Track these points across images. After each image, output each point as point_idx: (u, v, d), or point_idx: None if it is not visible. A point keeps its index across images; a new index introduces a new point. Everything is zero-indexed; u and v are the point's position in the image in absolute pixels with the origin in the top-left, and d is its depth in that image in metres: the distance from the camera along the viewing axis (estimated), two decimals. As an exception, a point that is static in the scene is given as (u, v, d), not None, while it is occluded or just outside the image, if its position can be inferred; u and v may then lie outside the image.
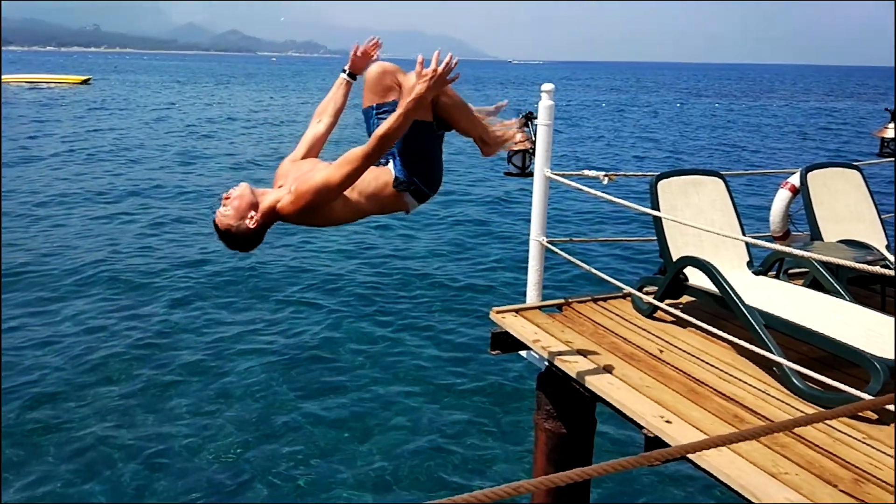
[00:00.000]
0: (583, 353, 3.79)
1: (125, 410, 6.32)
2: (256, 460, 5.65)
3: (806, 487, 2.60)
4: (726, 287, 3.79)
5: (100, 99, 43.48)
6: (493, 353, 4.25)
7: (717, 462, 2.72)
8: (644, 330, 4.16)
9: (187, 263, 10.54)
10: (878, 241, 4.74)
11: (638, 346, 3.91)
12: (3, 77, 55.98)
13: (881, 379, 3.05)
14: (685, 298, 4.44)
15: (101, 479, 5.35)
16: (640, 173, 6.03)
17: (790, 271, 4.85)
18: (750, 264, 4.43)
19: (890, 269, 4.19)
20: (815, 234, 4.79)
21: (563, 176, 4.43)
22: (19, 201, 14.36)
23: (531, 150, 4.40)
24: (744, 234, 4.46)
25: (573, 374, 3.59)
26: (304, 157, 2.71)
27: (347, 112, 2.97)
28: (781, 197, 5.35)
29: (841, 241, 4.67)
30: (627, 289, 4.45)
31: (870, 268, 2.79)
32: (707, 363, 3.71)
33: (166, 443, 5.83)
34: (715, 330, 3.71)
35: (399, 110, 2.34)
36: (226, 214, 2.43)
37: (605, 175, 4.20)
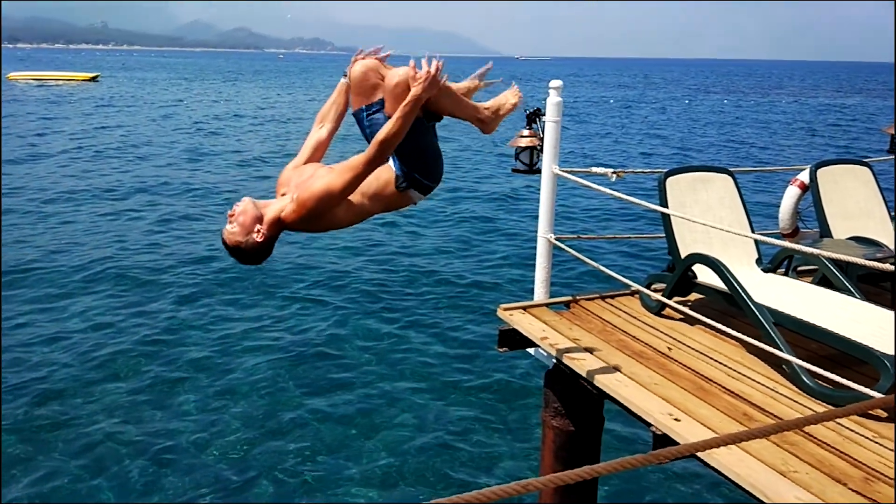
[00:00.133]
0: (591, 350, 3.78)
1: (133, 406, 6.34)
2: (263, 456, 5.66)
3: (816, 486, 2.58)
4: (735, 284, 3.76)
5: (107, 96, 43.63)
6: (500, 350, 4.24)
7: (727, 460, 2.71)
8: (652, 327, 4.14)
9: (194, 260, 10.57)
10: (888, 237, 4.71)
11: (646, 344, 3.89)
12: (11, 75, 56.37)
13: (891, 377, 3.03)
14: (694, 296, 4.42)
15: (108, 474, 5.38)
16: (649, 170, 6.00)
17: (799, 268, 4.82)
18: (759, 261, 4.41)
19: (900, 266, 4.16)
20: (825, 231, 4.76)
21: (570, 173, 4.41)
22: (28, 198, 14.43)
23: (539, 147, 4.38)
24: (753, 231, 4.44)
25: (581, 372, 3.58)
26: (305, 163, 2.69)
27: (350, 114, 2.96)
28: (790, 194, 5.33)
29: (850, 238, 4.64)
30: (636, 286, 4.43)
31: (879, 265, 2.77)
32: (716, 361, 3.69)
33: (174, 439, 5.85)
34: (724, 327, 3.69)
35: (397, 114, 2.33)
36: (233, 231, 2.44)
37: (614, 172, 4.18)
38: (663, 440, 3.01)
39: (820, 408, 3.20)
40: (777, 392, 3.36)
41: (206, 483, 5.32)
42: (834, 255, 3.13)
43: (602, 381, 3.44)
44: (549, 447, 4.04)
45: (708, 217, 4.28)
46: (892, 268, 2.77)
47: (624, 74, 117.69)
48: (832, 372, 3.09)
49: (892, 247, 4.56)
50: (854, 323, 3.44)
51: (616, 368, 3.55)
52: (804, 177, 5.20)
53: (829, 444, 2.87)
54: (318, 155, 2.71)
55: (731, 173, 4.60)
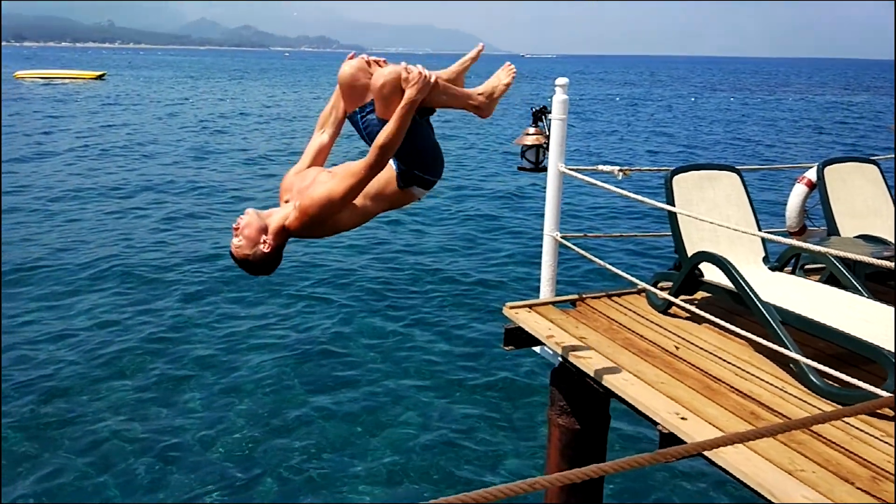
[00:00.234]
0: (597, 349, 3.77)
1: (138, 404, 6.36)
2: (269, 453, 5.67)
3: (823, 485, 2.57)
4: (742, 283, 3.75)
5: (114, 94, 43.75)
6: (506, 348, 4.24)
7: (734, 459, 2.70)
8: (659, 326, 4.13)
9: (200, 258, 10.59)
10: (896, 236, 4.68)
11: (653, 343, 3.88)
12: (18, 73, 56.64)
13: (900, 376, 3.01)
14: (700, 294, 4.40)
15: (114, 471, 5.39)
16: (655, 168, 5.98)
17: (806, 267, 4.80)
18: (766, 260, 4.39)
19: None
20: (832, 230, 4.74)
21: (577, 171, 4.40)
22: (34, 196, 14.48)
23: (545, 145, 4.37)
24: (759, 230, 4.42)
25: (587, 370, 3.57)
26: (308, 168, 2.67)
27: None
28: (797, 192, 5.30)
29: (858, 237, 4.62)
30: (642, 284, 4.41)
31: (887, 263, 2.75)
32: (723, 360, 3.68)
33: (179, 436, 5.87)
34: (731, 326, 3.67)
35: (393, 119, 2.31)
36: (239, 245, 2.44)
37: (620, 170, 4.17)
38: (670, 439, 3.00)
39: (827, 407, 3.18)
40: (784, 391, 3.34)
41: (211, 480, 5.33)
42: (842, 254, 3.11)
43: (608, 379, 3.43)
44: (555, 445, 4.04)
45: (715, 215, 4.27)
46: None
47: (630, 72, 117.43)
48: (840, 371, 3.07)
49: (900, 245, 4.54)
50: (862, 322, 3.42)
51: (622, 367, 3.54)
52: (811, 175, 5.17)
53: (836, 443, 2.85)
54: (320, 159, 2.69)
55: (737, 171, 4.58)
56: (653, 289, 4.32)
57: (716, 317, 3.81)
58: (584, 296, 4.56)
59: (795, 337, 3.47)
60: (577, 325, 4.09)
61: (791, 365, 3.47)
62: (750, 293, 3.69)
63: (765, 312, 3.58)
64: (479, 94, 2.65)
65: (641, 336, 3.97)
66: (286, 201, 2.54)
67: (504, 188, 16.17)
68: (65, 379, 6.74)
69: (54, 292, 9.05)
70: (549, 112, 4.28)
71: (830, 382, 3.24)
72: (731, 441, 1.61)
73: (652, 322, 4.19)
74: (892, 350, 3.10)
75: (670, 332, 4.04)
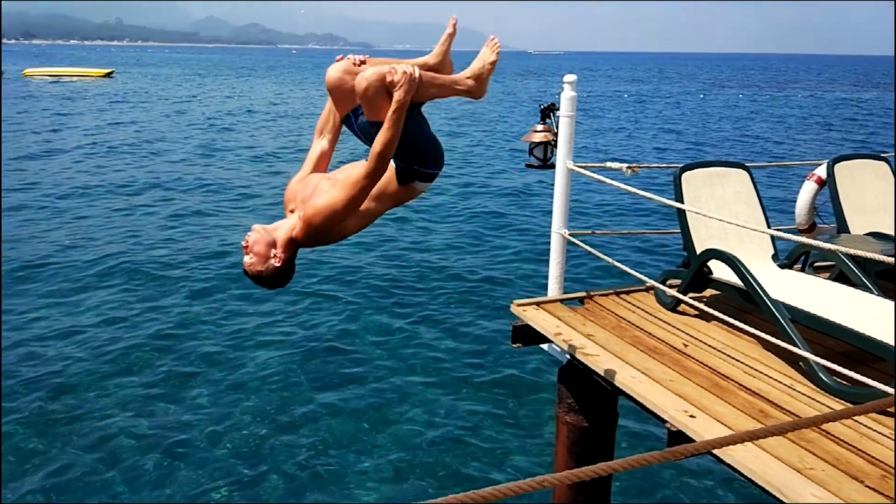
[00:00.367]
0: (605, 346, 3.75)
1: (146, 400, 6.38)
2: (275, 450, 5.68)
3: (833, 483, 2.55)
4: (751, 280, 3.73)
5: (122, 92, 43.92)
6: (514, 346, 4.22)
7: (743, 457, 2.68)
8: (667, 324, 4.11)
9: (207, 255, 10.62)
10: (907, 233, 4.64)
11: (661, 340, 3.86)
12: (27, 71, 56.95)
13: (910, 374, 2.99)
14: (709, 292, 4.38)
15: (122, 467, 5.41)
16: (664, 165, 5.96)
17: (816, 264, 4.77)
18: (775, 257, 4.36)
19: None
20: (842, 227, 4.70)
21: (585, 168, 4.38)
22: (43, 193, 14.55)
23: (553, 142, 4.36)
24: (769, 227, 4.40)
25: (595, 368, 3.56)
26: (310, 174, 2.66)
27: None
28: (807, 189, 5.26)
29: (868, 234, 4.58)
30: (650, 282, 4.39)
31: (899, 260, 2.72)
32: (732, 357, 3.66)
33: (186, 432, 5.88)
34: (739, 324, 3.64)
35: (386, 124, 2.29)
36: (251, 263, 2.46)
37: (629, 167, 4.15)
38: (678, 437, 2.99)
39: (837, 405, 3.16)
40: (794, 389, 3.32)
41: (218, 476, 5.34)
42: (851, 251, 3.08)
43: (616, 377, 3.41)
44: (562, 443, 4.03)
45: (723, 212, 4.24)
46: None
47: (638, 68, 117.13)
48: (849, 369, 3.05)
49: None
50: (872, 319, 3.40)
51: (631, 365, 3.53)
52: (821, 172, 5.13)
53: (846, 442, 2.83)
54: (322, 166, 2.67)
55: (746, 168, 4.55)
56: (661, 286, 4.30)
57: (725, 314, 3.78)
58: (592, 293, 4.54)
59: (805, 335, 3.44)
60: (584, 323, 4.08)
61: (800, 363, 3.45)
62: (759, 291, 3.67)
63: (774, 310, 3.56)
64: (466, 78, 2.61)
65: (650, 334, 3.96)
66: (291, 211, 2.53)
67: (511, 185, 16.14)
68: (73, 375, 6.77)
69: (62, 289, 9.09)
70: (557, 109, 4.27)
71: (840, 380, 3.22)
72: (741, 439, 1.60)
73: (660, 320, 4.17)
74: (903, 348, 3.08)
75: (679, 329, 4.02)
